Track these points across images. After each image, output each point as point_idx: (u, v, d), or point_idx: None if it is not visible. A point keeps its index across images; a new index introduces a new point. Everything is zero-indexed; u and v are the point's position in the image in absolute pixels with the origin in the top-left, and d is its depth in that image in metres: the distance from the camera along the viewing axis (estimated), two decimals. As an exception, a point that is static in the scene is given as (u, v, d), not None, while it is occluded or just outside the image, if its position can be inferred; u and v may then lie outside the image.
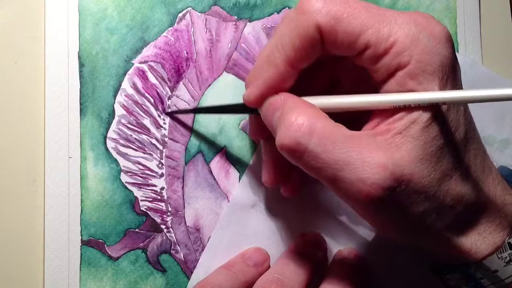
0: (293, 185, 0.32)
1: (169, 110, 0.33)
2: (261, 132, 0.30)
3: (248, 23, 0.35)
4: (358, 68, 0.26)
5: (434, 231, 0.26)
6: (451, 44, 0.25)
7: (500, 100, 0.23)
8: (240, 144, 0.34)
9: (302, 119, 0.25)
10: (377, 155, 0.24)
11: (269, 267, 0.32)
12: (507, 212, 0.27)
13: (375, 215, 0.26)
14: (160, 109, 0.33)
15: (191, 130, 0.34)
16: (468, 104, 0.27)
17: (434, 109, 0.24)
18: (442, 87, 0.24)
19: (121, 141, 0.33)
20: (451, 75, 0.25)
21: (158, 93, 0.33)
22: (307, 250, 0.31)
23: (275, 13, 0.35)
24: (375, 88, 0.26)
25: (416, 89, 0.24)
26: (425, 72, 0.24)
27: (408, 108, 0.24)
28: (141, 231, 0.32)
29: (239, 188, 0.34)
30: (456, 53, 0.37)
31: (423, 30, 0.24)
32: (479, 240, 0.26)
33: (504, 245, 0.26)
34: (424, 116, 0.24)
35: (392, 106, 0.25)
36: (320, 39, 0.26)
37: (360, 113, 0.26)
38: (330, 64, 0.30)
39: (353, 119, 0.26)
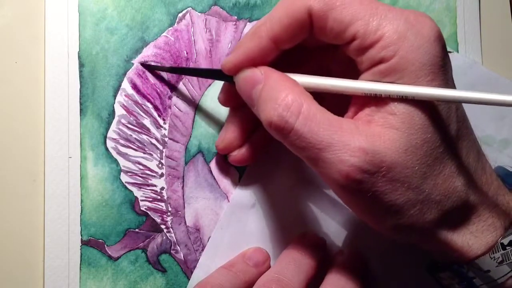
0: (241, 155, 0.32)
1: (145, 62, 0.33)
2: (232, 100, 0.31)
3: (248, 23, 0.35)
4: (349, 60, 0.27)
5: (418, 223, 0.26)
6: (440, 43, 0.25)
7: (470, 103, 0.24)
8: (240, 144, 0.34)
9: (291, 99, 0.25)
10: (358, 140, 0.24)
11: (269, 267, 0.32)
12: (500, 212, 0.27)
13: (353, 197, 0.26)
14: (161, 109, 0.33)
15: (191, 130, 0.34)
16: (467, 104, 0.27)
17: (412, 102, 0.25)
18: (425, 85, 0.25)
19: (121, 141, 0.33)
20: (439, 75, 0.25)
21: (158, 93, 0.33)
22: (307, 250, 0.31)
23: (275, 13, 0.35)
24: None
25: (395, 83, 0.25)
26: (407, 69, 0.24)
27: (379, 98, 0.25)
28: (141, 231, 0.32)
29: (239, 188, 0.34)
30: (456, 53, 0.37)
31: (412, 27, 0.25)
32: (471, 239, 0.26)
33: (496, 246, 0.26)
34: (400, 107, 0.25)
35: (363, 93, 0.25)
36: (309, 23, 0.26)
37: (341, 103, 0.27)
38: (319, 54, 0.30)
39: (335, 107, 0.27)
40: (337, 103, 0.27)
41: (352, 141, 0.24)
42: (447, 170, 0.25)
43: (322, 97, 0.27)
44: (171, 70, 0.33)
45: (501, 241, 0.26)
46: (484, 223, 0.27)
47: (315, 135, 0.25)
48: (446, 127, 0.25)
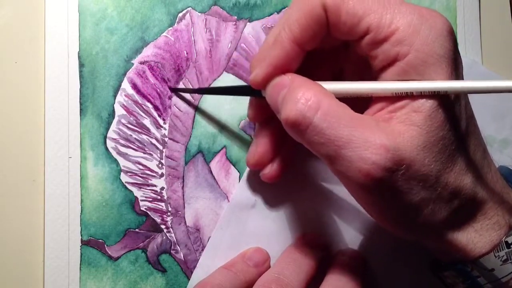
0: (274, 171, 0.32)
1: (173, 87, 0.33)
2: (260, 114, 0.31)
3: (248, 23, 0.35)
4: (361, 59, 0.27)
5: (429, 223, 0.26)
6: (452, 37, 0.25)
7: (502, 92, 0.24)
8: (240, 144, 0.34)
9: (309, 95, 0.25)
10: (379, 137, 0.24)
11: (269, 267, 0.32)
12: (504, 210, 0.27)
13: (370, 197, 0.26)
14: (161, 109, 0.33)
15: (191, 130, 0.34)
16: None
17: (437, 99, 0.24)
18: (445, 79, 0.24)
19: (121, 141, 0.33)
20: (454, 69, 0.25)
21: (158, 93, 0.33)
22: (307, 250, 0.31)
23: (275, 13, 0.35)
24: (375, 77, 0.26)
25: (417, 79, 0.25)
26: (425, 63, 0.24)
27: (410, 96, 0.25)
28: (141, 231, 0.32)
29: (239, 188, 0.34)
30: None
31: (426, 21, 0.25)
32: (475, 238, 0.26)
33: (501, 244, 0.26)
34: (427, 105, 0.24)
35: (394, 93, 0.25)
36: (325, 19, 0.26)
37: (362, 100, 0.27)
38: (331, 57, 0.30)
39: (355, 105, 0.26)
40: (353, 101, 0.27)
41: (373, 138, 0.24)
42: (457, 167, 0.25)
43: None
44: (199, 91, 0.33)
45: (505, 240, 0.26)
46: (489, 221, 0.27)
47: (335, 131, 0.24)
48: (458, 123, 0.25)
